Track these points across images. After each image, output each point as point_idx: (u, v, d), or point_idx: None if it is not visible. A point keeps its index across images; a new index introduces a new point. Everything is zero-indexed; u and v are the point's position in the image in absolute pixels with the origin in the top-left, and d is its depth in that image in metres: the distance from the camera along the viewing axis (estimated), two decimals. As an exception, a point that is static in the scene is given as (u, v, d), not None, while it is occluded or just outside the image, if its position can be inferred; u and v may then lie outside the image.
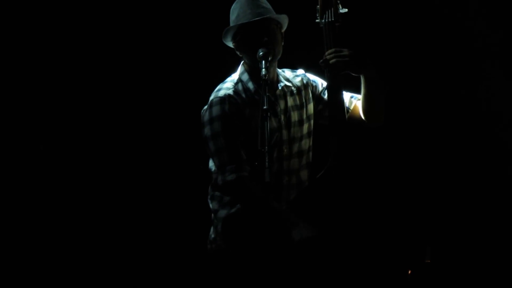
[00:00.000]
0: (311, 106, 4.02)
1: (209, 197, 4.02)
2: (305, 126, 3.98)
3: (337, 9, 3.85)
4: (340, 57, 3.75)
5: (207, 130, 3.85)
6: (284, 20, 3.92)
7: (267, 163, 3.47)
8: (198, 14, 5.60)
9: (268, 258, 3.76)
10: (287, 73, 4.04)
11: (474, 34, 5.40)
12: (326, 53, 3.79)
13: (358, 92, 3.92)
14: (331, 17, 3.83)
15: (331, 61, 3.75)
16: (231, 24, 3.91)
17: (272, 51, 3.79)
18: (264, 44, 3.79)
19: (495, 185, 5.35)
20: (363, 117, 3.94)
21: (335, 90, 3.81)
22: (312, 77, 4.07)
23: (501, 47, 5.36)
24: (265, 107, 3.55)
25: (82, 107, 5.69)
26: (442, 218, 5.25)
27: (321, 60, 3.80)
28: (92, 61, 5.67)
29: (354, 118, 3.95)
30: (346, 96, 3.97)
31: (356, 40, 3.90)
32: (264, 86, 3.61)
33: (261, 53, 3.75)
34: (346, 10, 3.86)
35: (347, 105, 3.96)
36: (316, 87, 4.04)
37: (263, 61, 3.71)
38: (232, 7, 3.94)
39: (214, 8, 4.90)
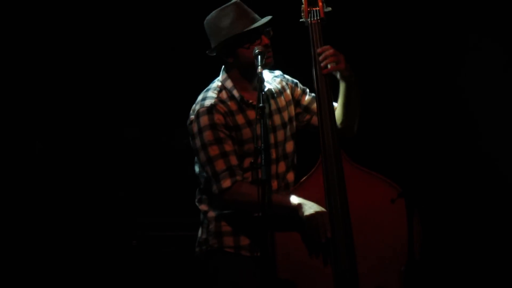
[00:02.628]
0: (292, 108, 3.99)
1: (196, 200, 4.01)
2: (288, 128, 3.96)
3: (322, 8, 3.83)
4: (336, 59, 3.76)
5: (197, 141, 3.85)
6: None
7: (263, 161, 3.47)
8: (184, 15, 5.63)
9: (261, 258, 3.74)
10: (265, 74, 3.99)
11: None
12: (322, 49, 3.79)
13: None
14: (317, 16, 3.82)
15: (326, 61, 3.77)
16: (225, 32, 3.84)
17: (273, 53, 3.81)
18: (267, 49, 3.79)
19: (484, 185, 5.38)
20: (338, 125, 3.91)
21: (323, 81, 3.80)
22: (290, 78, 4.04)
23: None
24: (261, 105, 3.55)
25: (76, 105, 5.71)
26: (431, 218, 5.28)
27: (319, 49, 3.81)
28: (85, 60, 5.69)
29: None
30: None
31: (342, 39, 3.88)
32: (259, 84, 3.62)
33: (257, 51, 3.75)
34: (330, 9, 3.85)
35: None
36: (294, 88, 4.02)
37: (259, 57, 3.71)
38: (217, 14, 3.88)
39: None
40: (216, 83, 3.95)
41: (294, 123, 4.00)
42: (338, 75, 3.83)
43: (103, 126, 5.75)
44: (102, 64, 5.73)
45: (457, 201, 5.38)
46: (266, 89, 3.91)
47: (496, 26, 5.37)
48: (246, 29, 3.81)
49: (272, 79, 4.00)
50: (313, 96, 3.99)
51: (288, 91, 4.00)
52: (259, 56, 3.72)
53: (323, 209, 3.68)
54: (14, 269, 5.53)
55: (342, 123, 3.91)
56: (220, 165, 3.79)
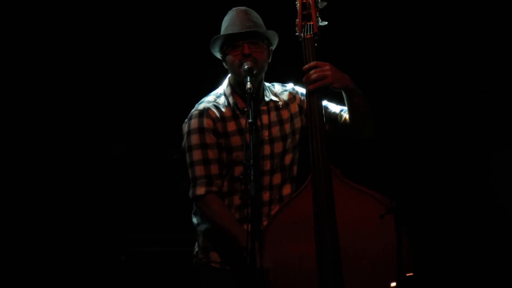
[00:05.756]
0: (298, 120, 4.01)
1: (193, 212, 4.02)
2: (289, 141, 3.97)
3: (317, 22, 3.84)
4: (321, 76, 3.74)
5: (184, 142, 3.90)
6: (273, 37, 3.90)
7: (252, 177, 3.48)
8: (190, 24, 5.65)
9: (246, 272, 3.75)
10: (276, 87, 4.04)
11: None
12: (307, 66, 3.78)
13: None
14: (310, 31, 3.82)
15: (312, 77, 3.75)
16: (220, 34, 3.90)
17: (255, 66, 3.79)
18: (247, 58, 3.79)
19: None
20: (352, 130, 3.92)
21: (314, 97, 3.79)
22: (301, 90, 4.03)
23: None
24: (250, 121, 3.57)
25: (65, 120, 5.71)
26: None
27: (303, 67, 3.80)
28: (75, 76, 5.70)
29: (344, 130, 3.94)
30: (337, 108, 3.96)
31: (336, 53, 3.89)
32: (249, 99, 3.63)
33: (246, 67, 3.76)
34: (326, 23, 3.85)
35: (337, 118, 3.95)
36: (303, 101, 4.00)
37: (248, 75, 3.72)
38: (224, 18, 3.94)
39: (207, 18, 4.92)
40: (219, 88, 3.99)
41: (297, 136, 4.00)
42: (333, 89, 3.81)
43: (92, 141, 5.74)
44: (91, 79, 5.73)
45: (448, 216, 5.38)
46: (268, 100, 3.95)
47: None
48: (223, 34, 3.85)
49: (281, 92, 4.03)
50: (325, 106, 3.95)
51: (296, 104, 4.02)
52: (248, 73, 3.74)
53: (269, 265, 3.68)
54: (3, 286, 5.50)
55: (355, 127, 3.90)
56: (199, 171, 3.83)
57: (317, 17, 3.84)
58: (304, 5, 3.85)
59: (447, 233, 5.39)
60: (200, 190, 3.82)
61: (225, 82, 3.98)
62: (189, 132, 3.86)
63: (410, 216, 3.73)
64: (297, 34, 3.85)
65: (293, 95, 4.03)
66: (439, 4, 5.45)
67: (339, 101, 3.93)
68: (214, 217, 3.81)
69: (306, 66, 3.78)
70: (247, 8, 3.92)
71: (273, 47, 3.94)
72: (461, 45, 5.46)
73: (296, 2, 3.87)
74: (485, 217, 5.37)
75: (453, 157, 5.45)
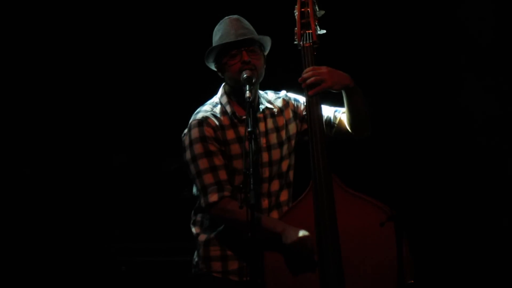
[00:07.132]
0: (292, 126, 4.01)
1: (191, 222, 4.01)
2: (285, 147, 3.97)
3: (316, 30, 3.85)
4: (318, 80, 3.76)
5: (187, 154, 3.88)
6: (267, 42, 3.92)
7: (252, 185, 3.48)
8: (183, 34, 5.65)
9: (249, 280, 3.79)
10: (269, 94, 4.05)
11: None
12: (305, 71, 3.80)
13: (341, 104, 3.91)
14: (310, 39, 3.84)
15: (308, 82, 3.76)
16: (214, 45, 3.91)
17: (255, 73, 3.80)
18: (247, 65, 3.80)
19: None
20: (349, 130, 3.91)
21: (314, 106, 3.80)
22: (294, 96, 4.05)
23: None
24: (249, 129, 3.57)
25: (65, 131, 5.71)
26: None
27: (299, 78, 3.81)
28: (74, 86, 5.70)
29: (341, 131, 3.93)
30: (330, 110, 3.97)
31: (334, 61, 3.90)
32: (248, 108, 3.64)
33: (245, 76, 3.77)
34: (324, 31, 3.87)
35: (332, 120, 3.95)
36: (298, 106, 4.02)
37: (247, 84, 3.73)
38: (215, 28, 3.95)
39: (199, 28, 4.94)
40: (214, 97, 3.99)
41: (293, 141, 4.01)
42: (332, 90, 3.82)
43: (91, 152, 5.75)
44: (90, 89, 5.74)
45: (449, 223, 5.39)
46: (263, 108, 3.95)
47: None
48: (219, 43, 3.85)
49: (274, 99, 4.03)
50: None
51: (289, 110, 4.02)
52: (247, 82, 3.75)
53: (306, 233, 3.68)
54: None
55: (352, 126, 3.90)
56: (208, 178, 3.81)
57: (315, 25, 3.86)
58: (302, 14, 3.87)
59: (448, 240, 5.40)
60: (213, 197, 3.79)
61: (220, 91, 3.99)
62: (191, 143, 3.85)
63: (411, 224, 3.74)
64: (296, 42, 3.88)
65: (286, 101, 4.03)
66: (437, 5, 5.47)
67: (334, 102, 3.94)
68: (236, 216, 3.72)
69: (302, 77, 3.79)
70: (238, 16, 3.93)
71: (266, 52, 3.95)
72: (459, 44, 5.48)
73: (295, 11, 3.89)
74: (486, 223, 5.37)
75: (454, 163, 5.45)
